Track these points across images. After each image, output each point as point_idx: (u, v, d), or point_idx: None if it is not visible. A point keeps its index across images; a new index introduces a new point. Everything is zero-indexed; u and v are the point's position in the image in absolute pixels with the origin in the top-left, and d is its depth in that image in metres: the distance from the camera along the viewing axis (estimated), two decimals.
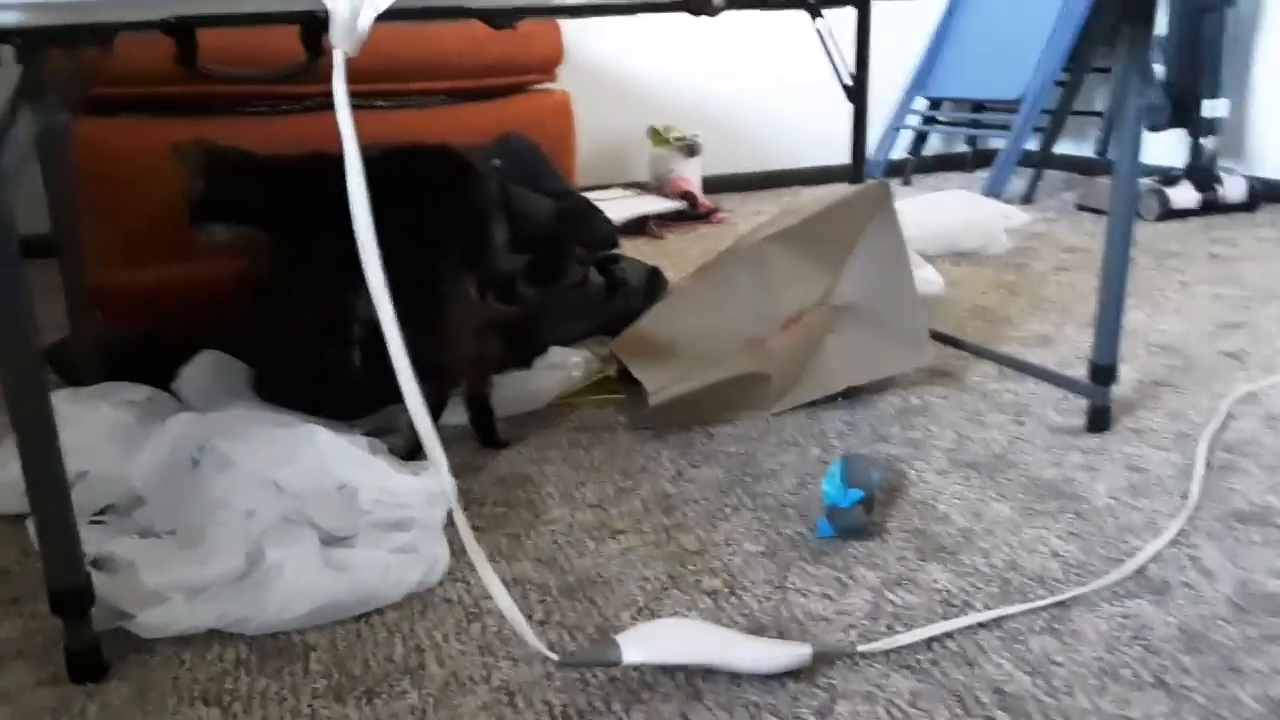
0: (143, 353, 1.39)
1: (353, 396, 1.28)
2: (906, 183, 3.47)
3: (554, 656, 0.80)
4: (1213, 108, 2.63)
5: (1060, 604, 0.92)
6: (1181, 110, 2.63)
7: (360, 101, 0.74)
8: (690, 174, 2.95)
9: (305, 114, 1.58)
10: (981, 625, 0.89)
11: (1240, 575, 0.96)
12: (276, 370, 1.29)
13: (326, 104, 0.72)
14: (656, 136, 3.02)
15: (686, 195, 2.84)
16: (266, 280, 1.33)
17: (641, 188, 3.04)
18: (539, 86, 1.90)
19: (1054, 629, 0.88)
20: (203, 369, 1.28)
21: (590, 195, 2.88)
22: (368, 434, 1.21)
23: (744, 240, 1.46)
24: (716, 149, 3.16)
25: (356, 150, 0.70)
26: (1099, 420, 1.30)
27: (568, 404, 1.42)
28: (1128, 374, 1.49)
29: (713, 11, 0.90)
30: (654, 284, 1.66)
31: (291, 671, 0.84)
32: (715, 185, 3.20)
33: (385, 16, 0.73)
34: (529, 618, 0.89)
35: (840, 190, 1.45)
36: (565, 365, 1.42)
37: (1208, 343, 1.63)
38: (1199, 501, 1.10)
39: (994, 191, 2.97)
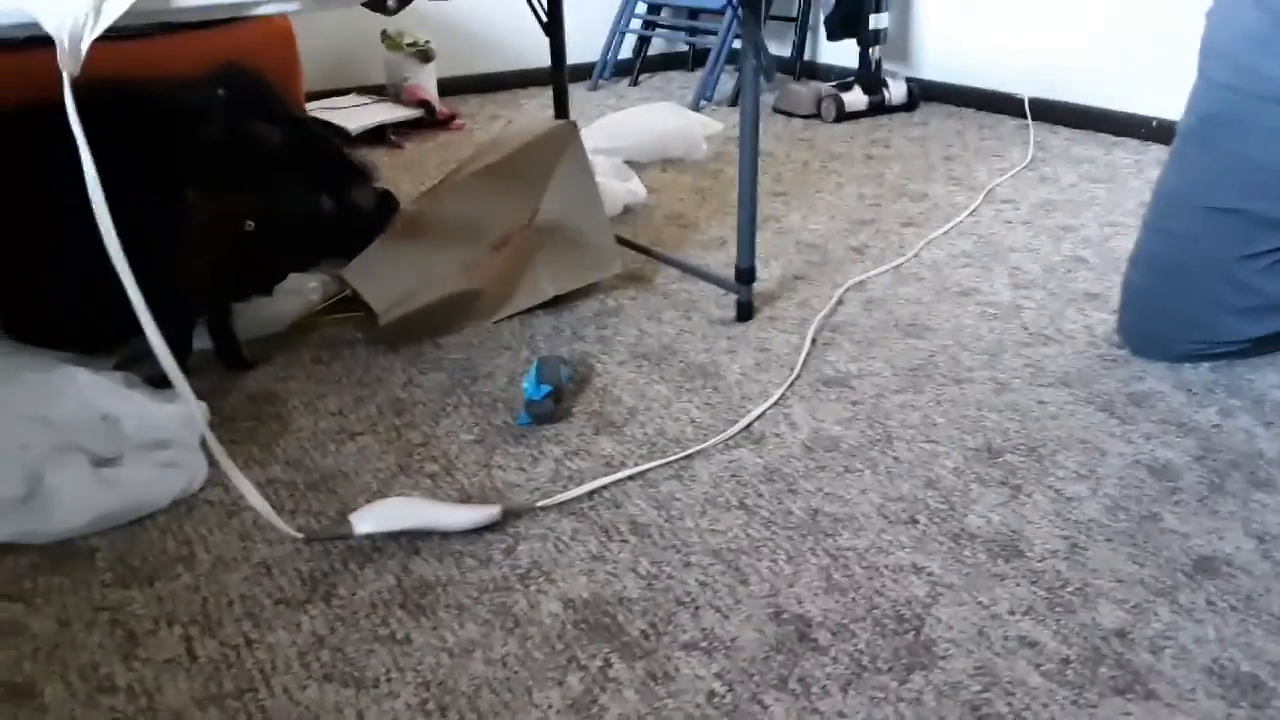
0: None
1: (102, 331, 1.41)
2: (634, 82, 3.74)
3: (299, 535, 1.05)
4: (877, 20, 3.06)
5: (687, 457, 1.26)
6: (851, 23, 3.04)
7: None
8: (425, 80, 3.07)
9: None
10: (630, 478, 1.22)
11: (815, 425, 1.34)
12: (25, 312, 1.39)
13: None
14: (390, 41, 3.09)
15: (423, 103, 2.97)
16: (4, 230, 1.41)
17: (378, 92, 3.13)
18: (260, 12, 1.97)
19: (680, 476, 1.23)
20: None
21: (325, 103, 2.96)
22: (119, 365, 1.37)
23: (455, 174, 1.68)
24: (452, 50, 3.28)
25: (90, 159, 0.87)
26: (744, 312, 1.66)
27: (309, 324, 1.62)
28: (776, 269, 1.87)
29: (388, 12, 1.09)
30: (385, 207, 1.85)
31: (81, 569, 1.04)
32: (452, 88, 3.33)
33: (101, 38, 0.88)
34: (280, 509, 1.13)
35: (536, 127, 1.69)
36: (303, 290, 1.60)
37: (842, 238, 2.05)
38: (800, 372, 1.48)
39: (705, 92, 3.31)
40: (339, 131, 2.70)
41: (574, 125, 1.66)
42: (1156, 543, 1.07)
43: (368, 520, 1.06)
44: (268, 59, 1.93)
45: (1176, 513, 1.12)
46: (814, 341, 1.58)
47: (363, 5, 1.10)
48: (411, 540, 1.10)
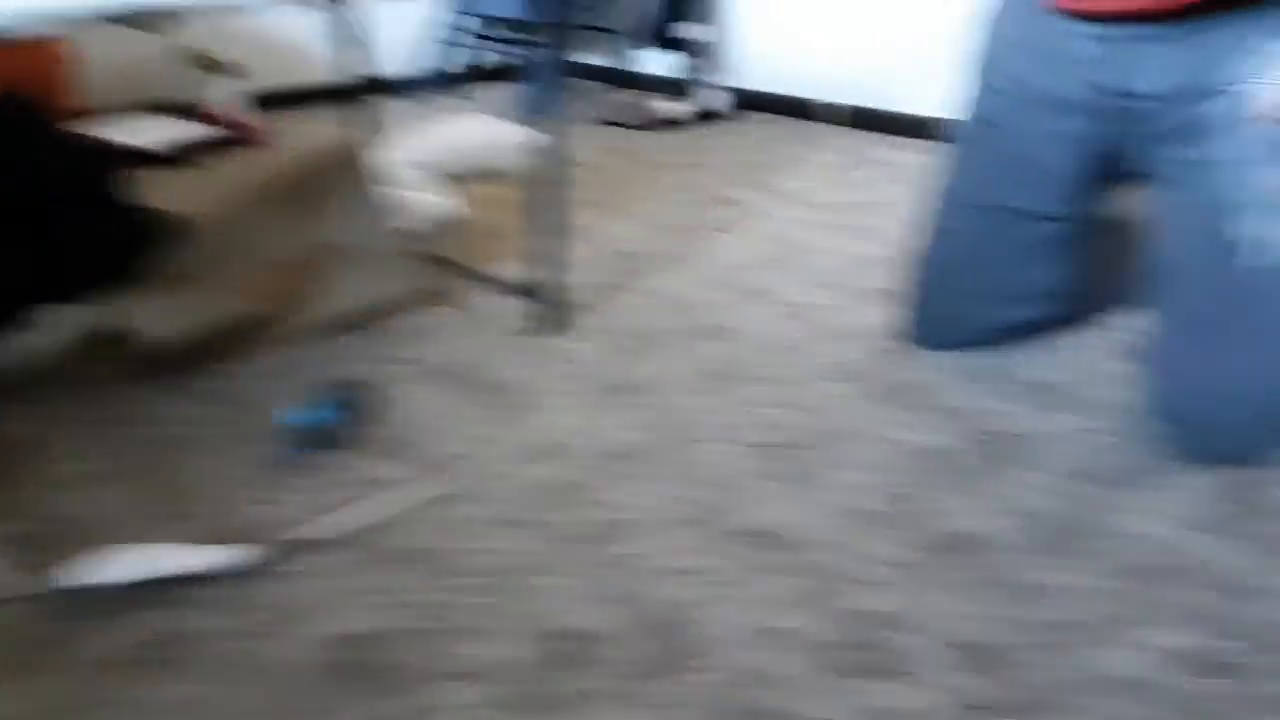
0: None
1: None
2: (460, 95, 3.68)
3: (36, 592, 0.96)
4: (693, 31, 3.11)
5: (479, 477, 1.22)
6: (672, 34, 3.09)
7: None
8: (227, 96, 2.91)
9: None
10: (417, 503, 1.17)
11: (613, 433, 1.32)
12: None
13: None
14: (187, 56, 2.93)
15: (221, 120, 2.82)
16: None
17: (177, 109, 2.96)
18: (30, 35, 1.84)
19: (474, 497, 1.18)
20: None
21: (113, 121, 2.77)
22: None
23: (237, 195, 1.60)
24: (267, 63, 3.14)
25: None
26: (550, 324, 1.64)
27: (68, 360, 1.50)
28: (592, 278, 1.85)
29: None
30: (159, 231, 1.73)
31: None
32: (266, 102, 3.19)
33: None
34: (16, 566, 1.03)
35: (317, 149, 1.63)
36: (66, 324, 1.48)
37: (652, 244, 2.06)
38: (603, 381, 1.47)
39: (529, 104, 3.29)
40: (119, 153, 2.53)
41: (356, 143, 1.61)
42: (922, 525, 1.11)
43: (111, 571, 0.98)
44: (38, 82, 1.80)
45: (943, 495, 1.16)
46: (619, 350, 1.57)
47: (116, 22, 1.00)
48: (168, 590, 1.02)
